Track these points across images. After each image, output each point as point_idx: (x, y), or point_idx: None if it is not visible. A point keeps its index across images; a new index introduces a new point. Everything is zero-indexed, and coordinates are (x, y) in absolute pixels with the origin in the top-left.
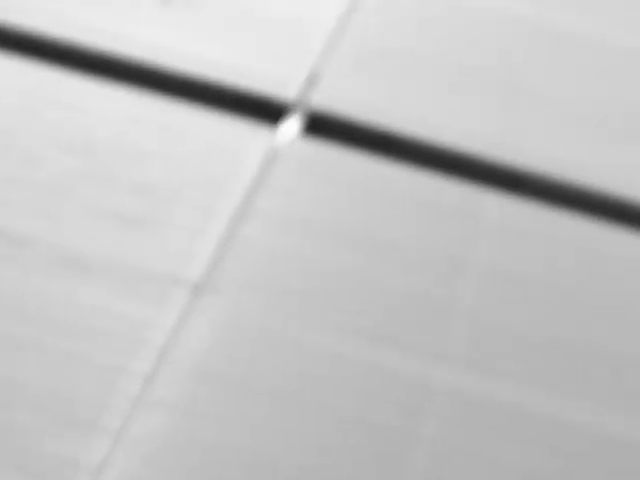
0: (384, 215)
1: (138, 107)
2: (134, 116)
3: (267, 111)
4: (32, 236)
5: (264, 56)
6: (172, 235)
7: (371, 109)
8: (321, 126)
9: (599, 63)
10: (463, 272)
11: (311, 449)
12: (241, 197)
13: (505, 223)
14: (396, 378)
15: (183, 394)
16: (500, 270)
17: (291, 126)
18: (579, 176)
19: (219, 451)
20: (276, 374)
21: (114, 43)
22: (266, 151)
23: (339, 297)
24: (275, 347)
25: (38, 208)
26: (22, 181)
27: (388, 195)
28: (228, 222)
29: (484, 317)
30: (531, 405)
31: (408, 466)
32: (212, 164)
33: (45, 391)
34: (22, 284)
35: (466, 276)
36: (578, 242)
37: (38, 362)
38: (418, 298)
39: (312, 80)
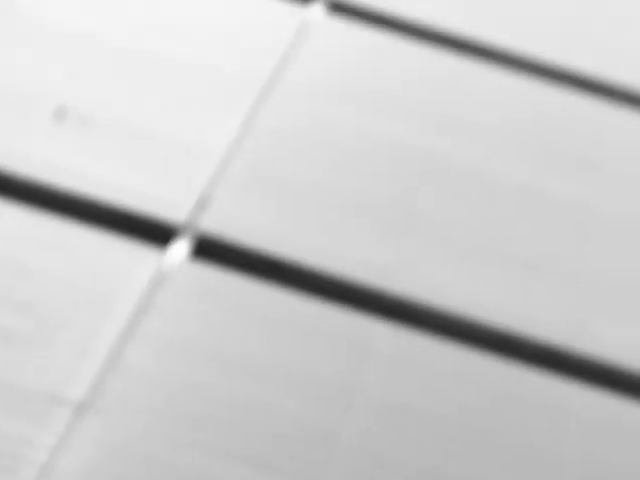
0: (273, 341)
1: (25, 224)
2: (21, 233)
3: (156, 233)
4: None
5: (156, 177)
6: (56, 354)
7: (262, 234)
8: (210, 250)
9: (492, 197)
10: (353, 402)
11: None
12: (127, 318)
13: (396, 354)
14: None
15: None
16: (389, 401)
17: (180, 249)
18: (474, 310)
19: None
20: None
21: (4, 159)
22: (154, 273)
23: (223, 422)
24: (155, 469)
25: None
26: None
27: (277, 321)
28: (113, 343)
29: (371, 448)
30: None
31: None
32: (99, 284)
33: None
34: None
35: (355, 406)
36: (472, 376)
37: None
38: (305, 426)
39: (202, 203)
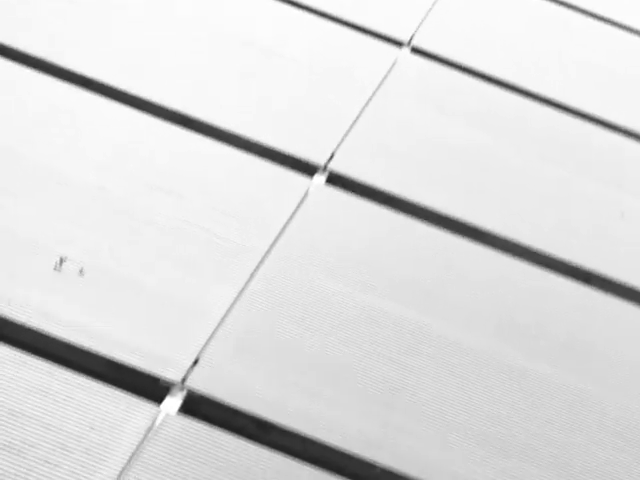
0: None
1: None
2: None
3: (151, 388)
4: None
5: (150, 332)
6: None
7: (250, 396)
8: (198, 407)
9: (478, 375)
10: None
11: None
12: (115, 467)
13: None
14: None
15: None
16: None
17: (171, 404)
18: None
19: None
20: None
21: (3, 306)
22: (145, 425)
23: None
24: None
25: None
26: None
27: None
28: None
29: None
30: None
31: None
32: (93, 434)
33: None
34: None
35: None
36: None
37: None
38: None
39: (194, 363)
